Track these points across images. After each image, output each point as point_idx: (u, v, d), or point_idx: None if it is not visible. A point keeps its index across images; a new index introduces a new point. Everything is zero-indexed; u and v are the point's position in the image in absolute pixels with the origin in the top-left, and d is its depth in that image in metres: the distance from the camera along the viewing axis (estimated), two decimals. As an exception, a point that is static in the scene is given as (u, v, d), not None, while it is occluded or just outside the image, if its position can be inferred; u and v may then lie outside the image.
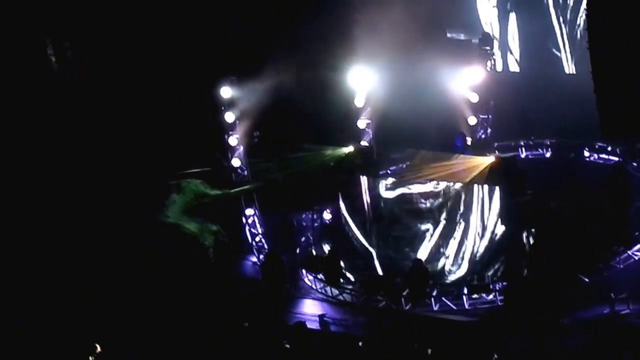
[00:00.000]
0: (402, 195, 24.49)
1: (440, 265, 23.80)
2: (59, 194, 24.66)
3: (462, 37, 30.78)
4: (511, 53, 31.41)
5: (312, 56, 26.75)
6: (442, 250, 23.88)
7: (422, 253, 23.78)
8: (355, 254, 24.83)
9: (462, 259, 23.64)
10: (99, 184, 25.17)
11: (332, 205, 25.71)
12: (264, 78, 24.31)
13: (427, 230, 24.08)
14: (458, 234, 23.74)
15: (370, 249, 24.59)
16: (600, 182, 24.12)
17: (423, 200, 24.18)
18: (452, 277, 23.55)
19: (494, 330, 17.37)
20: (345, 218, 25.03)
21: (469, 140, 25.86)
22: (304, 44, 26.86)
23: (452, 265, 23.71)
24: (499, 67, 30.41)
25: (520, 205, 23.16)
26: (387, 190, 24.62)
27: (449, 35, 30.86)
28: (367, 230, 24.84)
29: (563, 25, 30.59)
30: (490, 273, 22.99)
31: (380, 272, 24.18)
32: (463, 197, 23.78)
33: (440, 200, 24.01)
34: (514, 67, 31.53)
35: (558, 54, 30.88)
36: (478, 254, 23.52)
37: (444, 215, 23.96)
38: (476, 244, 23.53)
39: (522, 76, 31.07)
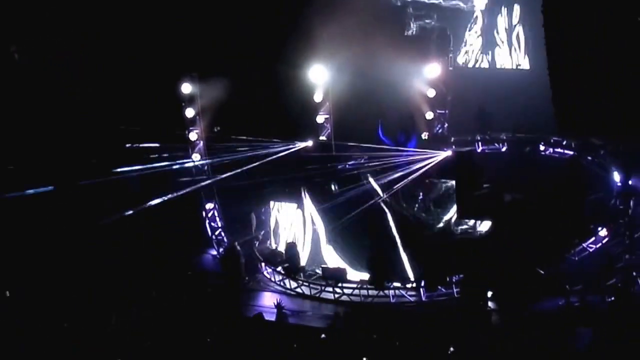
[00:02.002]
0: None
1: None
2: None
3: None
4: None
5: (272, 52, 26.81)
6: None
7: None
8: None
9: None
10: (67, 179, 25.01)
11: (292, 199, 25.73)
12: (224, 74, 24.35)
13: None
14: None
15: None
16: (555, 175, 24.44)
17: None
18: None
19: (446, 321, 17.68)
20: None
21: (425, 135, 26.04)
22: (264, 40, 26.93)
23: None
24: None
25: (477, 198, 23.43)
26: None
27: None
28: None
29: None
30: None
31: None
32: None
33: None
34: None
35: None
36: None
37: None
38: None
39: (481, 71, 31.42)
